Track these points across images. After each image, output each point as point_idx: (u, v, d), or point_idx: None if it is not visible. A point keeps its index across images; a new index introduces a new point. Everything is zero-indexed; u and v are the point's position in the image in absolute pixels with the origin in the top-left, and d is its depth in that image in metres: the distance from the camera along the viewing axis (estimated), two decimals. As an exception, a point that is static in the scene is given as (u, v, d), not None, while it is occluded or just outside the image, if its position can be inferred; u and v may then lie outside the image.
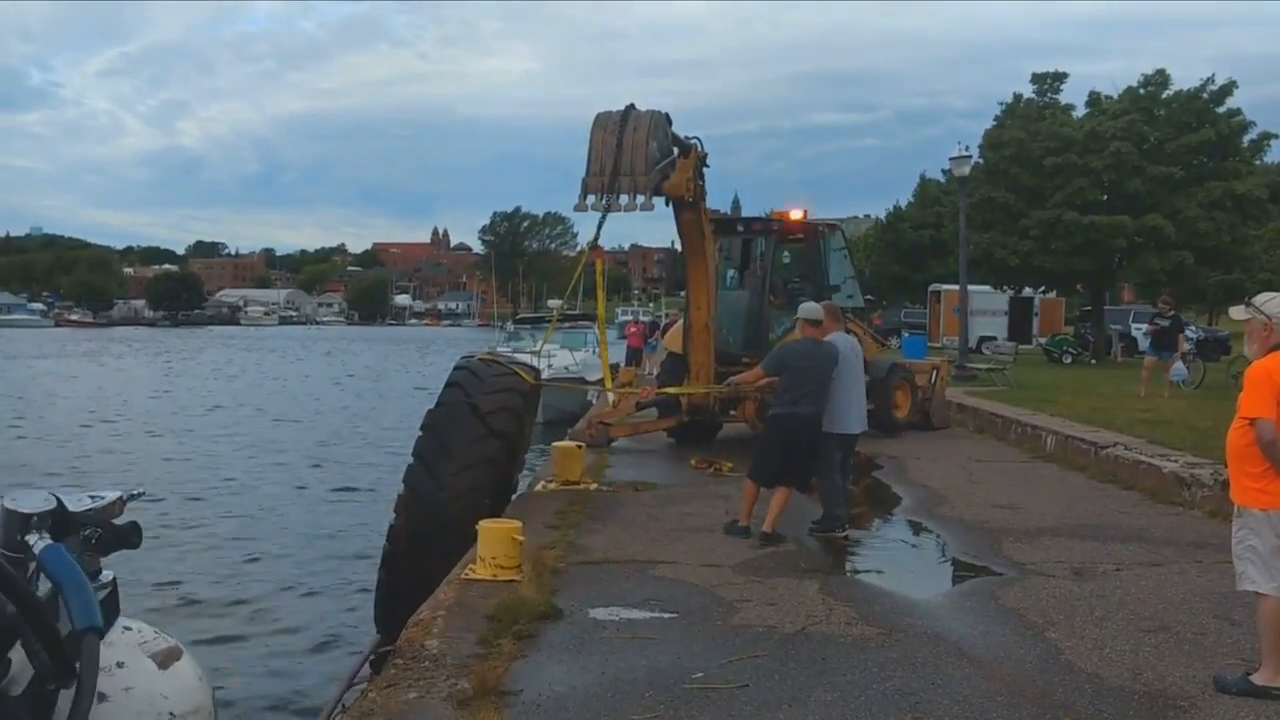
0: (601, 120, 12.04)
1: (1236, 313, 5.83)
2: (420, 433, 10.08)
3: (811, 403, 9.22)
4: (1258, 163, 34.50)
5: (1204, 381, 22.48)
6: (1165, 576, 7.89)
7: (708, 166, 13.30)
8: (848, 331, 10.71)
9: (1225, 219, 31.95)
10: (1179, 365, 21.22)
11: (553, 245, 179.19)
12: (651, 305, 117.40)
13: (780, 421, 9.32)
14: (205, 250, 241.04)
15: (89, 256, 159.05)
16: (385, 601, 9.61)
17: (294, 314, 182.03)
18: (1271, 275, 36.38)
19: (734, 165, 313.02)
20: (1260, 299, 5.67)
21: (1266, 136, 33.58)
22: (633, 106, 12.09)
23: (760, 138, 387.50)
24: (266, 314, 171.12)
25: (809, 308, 9.74)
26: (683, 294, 15.33)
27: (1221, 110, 33.08)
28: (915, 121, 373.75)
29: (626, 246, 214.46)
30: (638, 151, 11.70)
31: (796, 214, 15.97)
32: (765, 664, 5.84)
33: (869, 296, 22.45)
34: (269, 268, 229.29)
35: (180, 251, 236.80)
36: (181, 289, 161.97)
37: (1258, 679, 5.36)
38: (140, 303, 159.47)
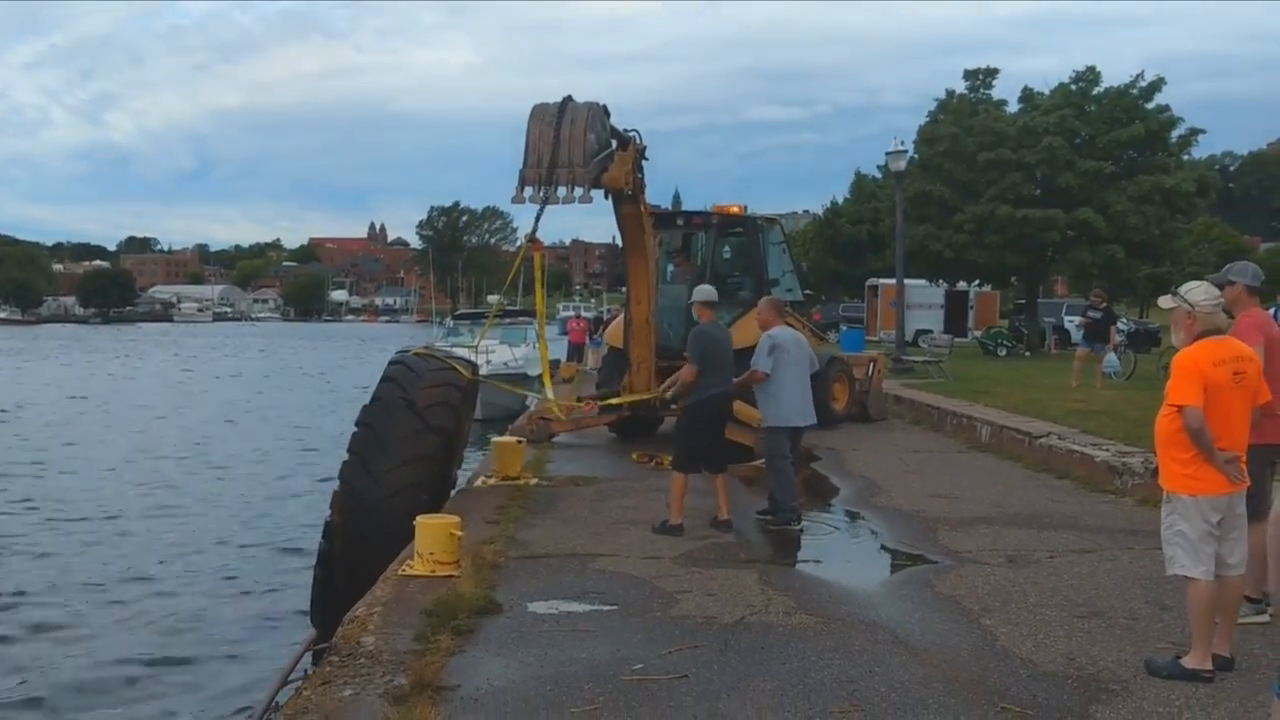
0: (539, 112, 11.93)
1: (1164, 302, 5.91)
2: (356, 428, 9.96)
3: (727, 382, 9.55)
4: (1185, 158, 35.15)
5: (1135, 372, 22.88)
6: (1098, 563, 8.02)
7: (647, 160, 13.24)
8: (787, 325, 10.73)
9: (1154, 213, 32.46)
10: (1111, 357, 21.59)
11: (492, 240, 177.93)
12: (593, 300, 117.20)
13: (709, 404, 9.44)
14: (137, 246, 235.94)
15: (17, 253, 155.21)
16: (322, 598, 9.50)
17: (229, 310, 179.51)
18: (1199, 268, 37.09)
19: (674, 160, 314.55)
20: (1185, 288, 5.76)
21: (1194, 132, 34.32)
22: (570, 98, 12.00)
23: (700, 133, 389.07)
24: (200, 310, 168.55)
25: (704, 290, 9.93)
26: (624, 289, 15.24)
27: (1150, 106, 33.67)
28: (853, 117, 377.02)
29: (568, 242, 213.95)
30: (575, 144, 11.61)
31: (736, 209, 16.07)
32: (704, 654, 5.84)
33: (808, 291, 22.56)
34: (203, 263, 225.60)
35: (111, 247, 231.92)
36: (113, 285, 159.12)
37: (1188, 662, 5.45)
38: (70, 300, 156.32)
